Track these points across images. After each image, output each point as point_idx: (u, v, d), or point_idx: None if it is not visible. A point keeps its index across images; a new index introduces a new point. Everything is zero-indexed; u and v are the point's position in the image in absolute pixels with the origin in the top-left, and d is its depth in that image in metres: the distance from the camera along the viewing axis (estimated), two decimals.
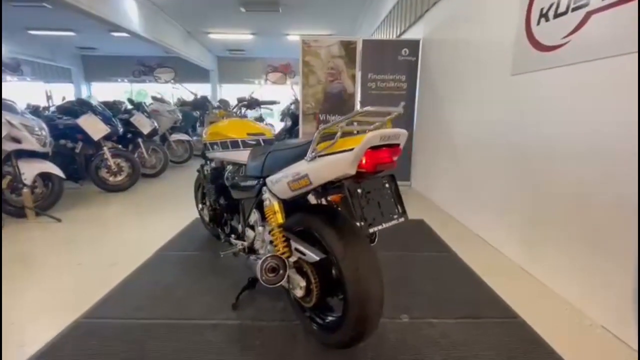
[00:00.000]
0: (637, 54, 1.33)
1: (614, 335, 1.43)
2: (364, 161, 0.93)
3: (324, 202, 1.23)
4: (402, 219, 1.06)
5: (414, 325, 1.49)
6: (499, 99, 2.36)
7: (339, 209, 1.14)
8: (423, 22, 3.94)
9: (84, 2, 5.09)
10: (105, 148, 3.75)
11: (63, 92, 7.19)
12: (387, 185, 1.07)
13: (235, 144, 1.61)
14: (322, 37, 3.96)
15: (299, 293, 1.19)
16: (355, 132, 1.03)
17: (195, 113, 4.92)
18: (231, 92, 13.23)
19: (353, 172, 0.95)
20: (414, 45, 3.94)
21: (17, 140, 2.84)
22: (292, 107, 5.83)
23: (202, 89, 12.28)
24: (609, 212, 1.46)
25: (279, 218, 1.21)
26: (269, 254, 1.17)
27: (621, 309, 1.41)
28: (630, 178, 1.34)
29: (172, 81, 1.73)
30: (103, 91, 13.06)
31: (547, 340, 1.39)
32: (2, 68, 12.09)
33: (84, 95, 13.12)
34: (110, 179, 3.87)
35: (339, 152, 0.96)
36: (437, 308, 1.62)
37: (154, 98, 5.17)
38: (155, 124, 4.65)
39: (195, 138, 5.92)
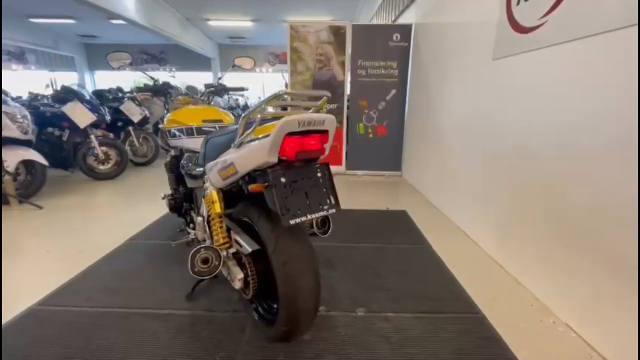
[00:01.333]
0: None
1: (577, 334, 1.36)
2: (286, 148, 0.87)
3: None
4: (332, 211, 1.00)
5: (368, 319, 1.44)
6: (480, 86, 2.24)
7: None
8: (415, 6, 3.77)
9: None
10: (92, 136, 3.75)
11: (67, 80, 7.23)
12: (318, 175, 1.01)
13: (190, 131, 1.56)
14: (310, 22, 3.83)
15: (237, 285, 1.16)
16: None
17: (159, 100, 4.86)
18: (234, 81, 13.11)
19: (274, 159, 0.89)
20: (405, 30, 3.79)
21: None
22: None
23: (204, 78, 12.25)
24: (585, 211, 1.37)
25: (217, 208, 1.16)
26: (202, 245, 1.13)
27: (588, 309, 1.34)
28: (607, 176, 1.24)
29: (127, 67, 1.67)
30: (107, 79, 13.11)
31: (504, 336, 1.33)
32: (7, 57, 12.21)
33: (88, 83, 13.23)
34: (99, 167, 3.89)
35: (259, 139, 0.90)
36: (398, 302, 1.57)
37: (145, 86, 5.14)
38: (146, 112, 4.63)
39: None
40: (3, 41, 10.27)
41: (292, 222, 0.89)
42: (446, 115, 2.84)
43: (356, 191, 3.61)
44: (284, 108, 1.55)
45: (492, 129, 2.08)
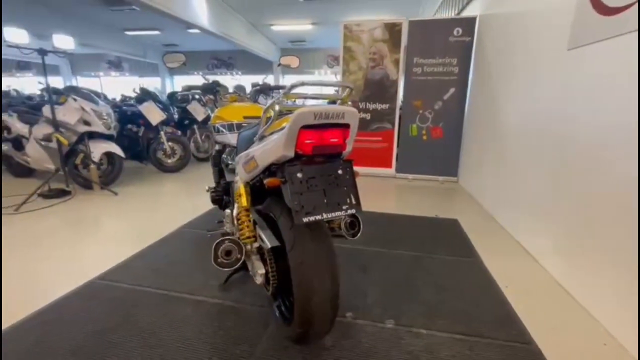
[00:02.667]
0: None
1: None
2: (303, 143, 0.84)
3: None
4: (351, 211, 0.93)
5: (397, 332, 1.33)
6: (549, 81, 1.94)
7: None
8: None
9: (160, 2, 5.71)
10: (162, 133, 4.17)
11: (152, 85, 8.29)
12: (340, 172, 0.95)
13: (231, 127, 1.61)
14: (365, 21, 3.75)
15: (259, 280, 1.15)
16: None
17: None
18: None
19: (290, 154, 0.86)
20: (468, 23, 3.49)
21: (88, 123, 3.32)
22: None
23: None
24: None
25: (243, 201, 1.18)
26: (227, 237, 1.15)
27: None
28: None
29: (183, 65, 1.80)
30: (183, 83, 14.61)
31: None
32: (108, 65, 14.27)
33: (168, 86, 14.87)
34: (166, 160, 4.31)
35: (277, 132, 0.88)
36: (433, 318, 1.42)
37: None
38: (209, 112, 5.02)
39: None
40: (106, 51, 12.07)
41: (305, 220, 0.85)
42: (511, 115, 2.53)
43: (405, 195, 3.42)
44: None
45: (564, 132, 1.78)
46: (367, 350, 1.24)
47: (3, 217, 2.60)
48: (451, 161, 3.83)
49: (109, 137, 3.52)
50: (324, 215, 0.88)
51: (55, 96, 3.24)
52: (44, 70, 3.00)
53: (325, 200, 0.90)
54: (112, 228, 2.45)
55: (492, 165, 2.84)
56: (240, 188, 1.19)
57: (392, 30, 3.69)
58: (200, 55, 13.87)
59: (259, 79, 2.64)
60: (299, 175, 0.89)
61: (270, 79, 12.60)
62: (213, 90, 1.92)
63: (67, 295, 1.56)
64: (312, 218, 0.87)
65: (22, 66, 13.58)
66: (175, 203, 3.09)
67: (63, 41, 3.07)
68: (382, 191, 3.57)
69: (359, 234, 1.35)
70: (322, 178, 0.91)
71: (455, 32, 3.52)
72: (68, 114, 3.25)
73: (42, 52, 2.89)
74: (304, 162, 0.91)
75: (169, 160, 4.33)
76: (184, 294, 1.59)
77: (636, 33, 1.29)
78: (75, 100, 3.30)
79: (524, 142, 2.25)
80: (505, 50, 2.72)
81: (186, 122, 4.89)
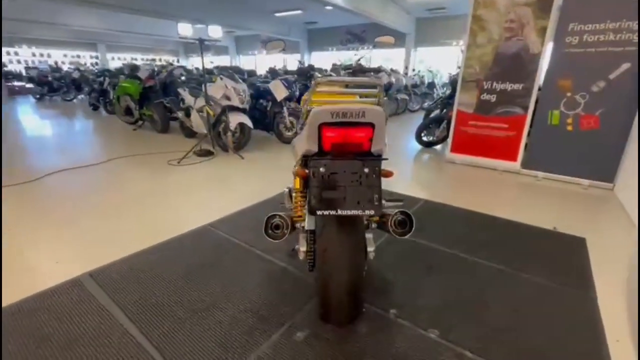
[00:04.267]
0: None
1: None
2: (324, 139, 0.85)
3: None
4: (369, 212, 0.89)
5: (437, 345, 1.24)
6: None
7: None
8: None
9: None
10: (284, 108, 4.70)
11: (294, 61, 9.31)
12: (366, 170, 0.91)
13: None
14: None
15: (301, 256, 1.27)
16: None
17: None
18: (424, 57, 12.61)
19: (314, 149, 0.89)
20: None
21: (228, 98, 4.07)
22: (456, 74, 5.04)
23: (397, 54, 12.37)
24: None
25: (296, 183, 1.28)
26: (279, 212, 1.29)
27: None
28: None
29: (282, 51, 1.97)
30: (320, 59, 15.61)
31: None
32: (261, 44, 16.45)
33: (306, 63, 16.14)
34: (286, 132, 4.87)
35: (305, 125, 0.91)
36: (489, 344, 1.25)
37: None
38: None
39: None
40: (258, 32, 13.95)
41: (318, 213, 0.89)
42: None
43: (524, 197, 2.86)
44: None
45: None
46: (397, 353, 1.21)
47: (170, 167, 3.56)
48: (607, 161, 2.91)
49: (243, 110, 4.23)
50: (339, 212, 0.90)
51: (208, 76, 4.08)
52: (201, 55, 3.81)
53: (344, 197, 0.91)
54: (233, 186, 3.03)
55: None
56: (297, 169, 1.30)
57: None
58: (335, 31, 14.35)
59: (389, 52, 2.59)
60: (322, 169, 0.92)
61: (367, 57, 11.92)
62: (307, 74, 2.04)
63: (185, 234, 2.09)
64: (325, 212, 0.90)
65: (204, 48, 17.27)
66: (285, 171, 3.52)
67: (215, 31, 3.79)
68: (495, 187, 3.08)
69: (408, 234, 1.28)
70: (344, 174, 0.91)
71: None
72: (216, 90, 4.06)
73: (201, 41, 3.65)
74: (331, 157, 0.93)
75: (288, 133, 4.86)
76: (260, 251, 1.88)
77: None
78: (222, 79, 4.07)
79: None
80: None
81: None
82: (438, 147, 4.57)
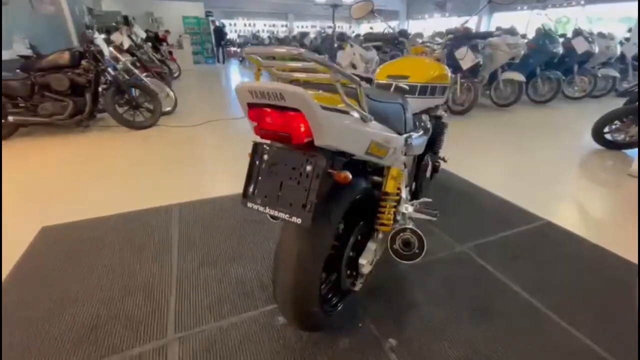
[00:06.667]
0: None
1: None
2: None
3: None
4: (296, 219, 0.70)
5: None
6: None
7: None
8: None
9: None
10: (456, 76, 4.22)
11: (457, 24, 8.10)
12: (307, 168, 0.70)
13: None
14: None
15: None
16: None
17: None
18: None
19: (256, 133, 0.75)
20: None
21: (354, 66, 4.00)
22: None
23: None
24: None
25: None
26: None
27: None
28: None
29: (371, 13, 1.69)
30: (504, 20, 12.86)
31: None
32: (434, 7, 15.10)
33: (483, 26, 13.64)
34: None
35: None
36: None
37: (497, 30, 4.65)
38: (479, 59, 4.34)
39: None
40: None
41: (248, 205, 0.78)
42: None
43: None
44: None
45: None
46: None
47: None
48: None
49: (365, 79, 4.09)
50: (267, 210, 0.76)
51: (339, 42, 4.09)
52: (333, 19, 3.82)
53: (279, 194, 0.76)
54: None
55: None
56: None
57: None
58: None
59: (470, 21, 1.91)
60: (265, 156, 0.79)
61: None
62: (393, 41, 1.73)
63: (229, 195, 2.24)
64: (253, 206, 0.78)
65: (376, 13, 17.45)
66: None
67: None
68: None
69: (417, 259, 0.99)
70: (284, 167, 0.76)
71: None
72: (344, 57, 4.05)
73: (334, 6, 3.65)
74: (279, 146, 0.78)
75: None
76: None
77: None
78: (352, 46, 4.01)
79: None
80: None
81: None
82: (627, 151, 3.11)
